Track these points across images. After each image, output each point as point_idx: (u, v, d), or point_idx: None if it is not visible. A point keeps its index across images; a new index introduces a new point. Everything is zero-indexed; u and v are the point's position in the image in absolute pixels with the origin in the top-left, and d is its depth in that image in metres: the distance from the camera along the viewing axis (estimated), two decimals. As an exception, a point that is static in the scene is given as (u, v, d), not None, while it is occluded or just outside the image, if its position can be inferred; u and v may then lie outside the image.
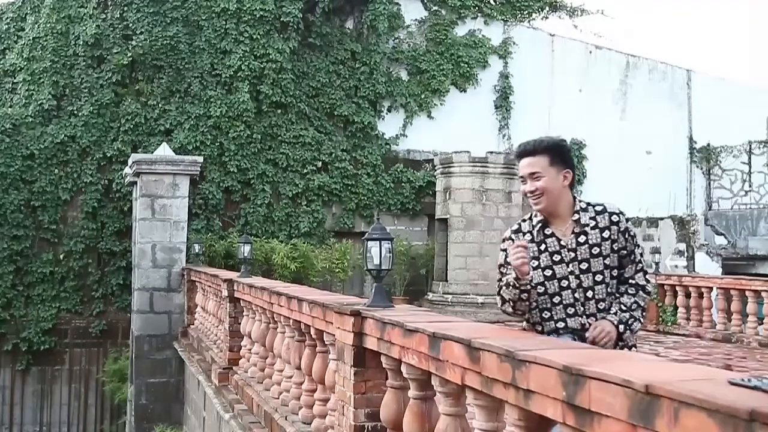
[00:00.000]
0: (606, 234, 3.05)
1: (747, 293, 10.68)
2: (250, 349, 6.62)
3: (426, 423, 2.77)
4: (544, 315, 3.06)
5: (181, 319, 11.34)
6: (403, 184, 15.73)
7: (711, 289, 11.32)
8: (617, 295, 3.10)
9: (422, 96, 16.37)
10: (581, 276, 3.03)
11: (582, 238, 3.05)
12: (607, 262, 3.05)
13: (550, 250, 3.06)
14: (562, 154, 3.11)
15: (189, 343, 10.56)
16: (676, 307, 11.87)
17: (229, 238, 13.53)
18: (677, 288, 11.85)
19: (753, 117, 18.33)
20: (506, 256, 3.09)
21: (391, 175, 15.67)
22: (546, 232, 3.08)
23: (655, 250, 14.67)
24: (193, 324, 10.68)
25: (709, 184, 18.65)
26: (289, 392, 5.07)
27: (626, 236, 3.09)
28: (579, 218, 3.07)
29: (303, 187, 14.93)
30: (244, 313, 6.83)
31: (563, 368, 1.74)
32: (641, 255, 3.19)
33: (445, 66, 16.60)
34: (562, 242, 3.06)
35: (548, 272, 3.05)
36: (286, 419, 4.86)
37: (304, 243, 13.77)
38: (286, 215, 14.82)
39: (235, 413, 6.05)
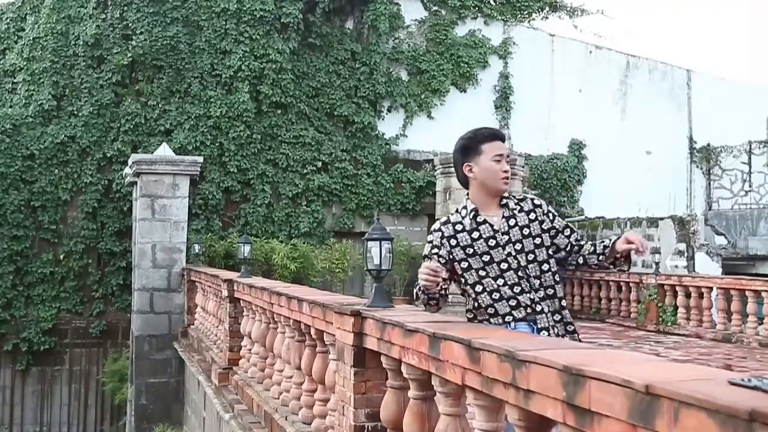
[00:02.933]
0: (532, 216, 3.21)
1: (747, 293, 10.68)
2: (250, 350, 6.62)
3: (426, 423, 2.76)
4: (493, 296, 3.11)
5: (181, 319, 11.34)
6: (403, 184, 15.73)
7: (711, 289, 11.32)
8: (579, 261, 3.24)
9: (422, 96, 16.37)
10: (518, 256, 3.14)
11: (512, 221, 3.19)
12: (537, 241, 3.18)
13: (484, 236, 3.16)
14: None
15: (189, 343, 10.56)
16: (676, 307, 11.87)
17: (229, 239, 13.54)
18: (677, 288, 11.85)
19: (753, 117, 18.34)
20: (431, 248, 3.20)
21: (391, 175, 15.67)
22: (478, 219, 3.20)
23: (655, 250, 14.66)
24: (193, 324, 10.68)
25: (709, 184, 18.66)
26: (289, 392, 5.07)
27: (551, 216, 3.26)
28: (507, 203, 3.23)
29: (303, 188, 14.93)
30: (244, 314, 6.83)
31: (563, 368, 1.74)
32: (574, 231, 3.33)
33: (445, 66, 16.60)
34: (494, 227, 3.18)
35: (486, 257, 3.14)
36: (286, 419, 4.86)
37: (304, 243, 13.77)
38: (286, 215, 14.82)
39: (235, 413, 6.06)
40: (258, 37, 14.78)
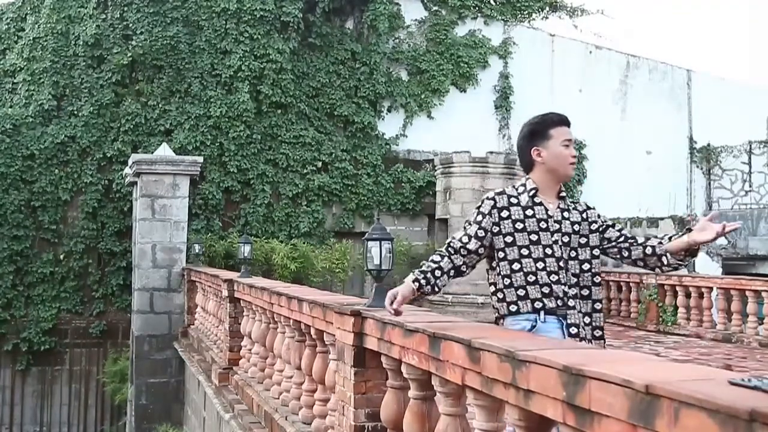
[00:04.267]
0: (584, 215, 3.23)
1: (747, 293, 10.68)
2: (250, 350, 6.63)
3: (426, 423, 2.77)
4: (528, 278, 3.08)
5: (181, 319, 11.34)
6: (403, 184, 15.73)
7: (711, 289, 11.32)
8: (633, 249, 3.24)
9: (422, 96, 16.37)
10: (562, 248, 3.13)
11: (566, 214, 3.20)
12: (582, 241, 3.18)
13: (537, 216, 3.15)
14: None
15: (189, 343, 10.56)
16: (676, 307, 11.87)
17: (229, 238, 13.53)
18: (677, 288, 11.85)
19: (753, 117, 18.34)
20: (477, 215, 3.19)
21: (391, 175, 15.67)
22: (536, 199, 3.20)
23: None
24: (194, 324, 10.69)
25: (709, 184, 18.65)
26: (289, 392, 5.07)
27: (601, 219, 3.29)
28: (565, 197, 3.26)
29: (303, 187, 14.93)
30: (244, 314, 6.84)
31: (563, 368, 1.74)
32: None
33: (445, 66, 16.60)
34: (549, 212, 3.17)
35: (534, 237, 3.12)
36: (286, 419, 4.86)
37: (304, 243, 13.76)
38: (286, 215, 14.82)
39: (236, 413, 6.06)
40: (258, 37, 14.77)
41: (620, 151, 17.42)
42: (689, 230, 3.14)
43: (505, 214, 3.16)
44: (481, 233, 3.14)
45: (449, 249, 3.15)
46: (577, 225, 3.19)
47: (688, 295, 11.66)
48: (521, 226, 3.13)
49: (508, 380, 2.01)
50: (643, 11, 44.87)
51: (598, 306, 3.17)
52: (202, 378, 8.12)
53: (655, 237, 3.28)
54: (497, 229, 3.14)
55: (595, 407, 1.63)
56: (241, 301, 6.88)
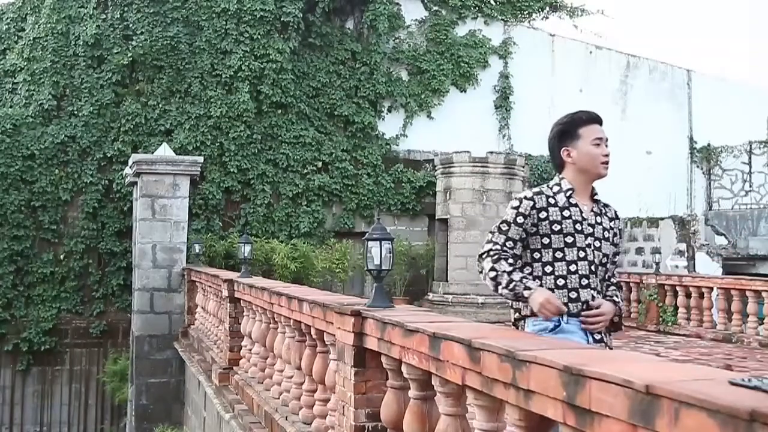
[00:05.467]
0: (613, 224, 3.21)
1: (747, 293, 10.68)
2: (250, 350, 6.63)
3: (426, 423, 2.77)
4: (558, 282, 3.04)
5: (181, 319, 11.34)
6: (403, 184, 15.73)
7: (711, 289, 11.32)
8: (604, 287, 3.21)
9: (422, 96, 16.37)
10: (595, 252, 3.10)
11: (599, 219, 3.17)
12: (612, 249, 3.19)
13: (573, 218, 3.10)
14: None
15: (189, 343, 10.56)
16: (676, 307, 11.87)
17: (229, 239, 13.54)
18: (677, 288, 11.85)
19: (753, 117, 18.32)
20: (516, 215, 3.10)
21: (391, 175, 15.67)
22: (572, 201, 3.13)
23: (655, 250, 14.67)
24: (194, 324, 10.69)
25: (710, 184, 18.65)
26: (289, 392, 5.07)
27: (620, 235, 3.28)
28: (599, 200, 3.21)
29: (303, 188, 14.94)
30: (244, 314, 6.84)
31: (563, 368, 1.74)
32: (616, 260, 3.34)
33: (445, 66, 16.60)
34: (583, 214, 3.13)
35: (569, 239, 3.08)
36: (286, 419, 4.86)
37: (304, 243, 13.77)
38: (287, 215, 14.82)
39: (236, 413, 6.06)
40: (258, 37, 14.78)
41: (620, 151, 17.23)
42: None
43: (543, 215, 3.09)
44: (522, 234, 3.10)
45: (504, 253, 3.06)
46: (607, 232, 3.17)
47: (688, 295, 11.66)
48: (558, 228, 3.08)
49: (508, 380, 2.01)
50: (643, 11, 44.88)
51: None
52: (203, 378, 8.12)
53: (617, 295, 3.23)
54: (534, 229, 3.09)
55: (596, 407, 1.63)
56: (242, 301, 6.88)
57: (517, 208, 3.12)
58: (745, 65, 43.25)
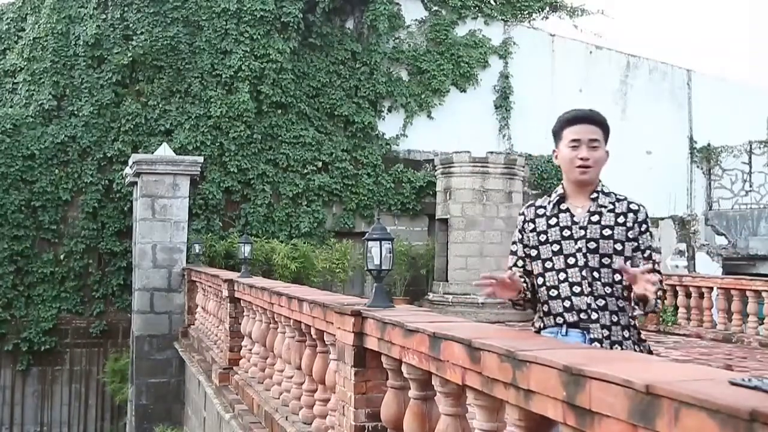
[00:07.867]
0: (621, 219, 2.93)
1: (747, 293, 10.68)
2: (250, 350, 6.63)
3: (426, 423, 2.77)
4: (551, 293, 2.93)
5: (181, 319, 11.34)
6: (403, 184, 15.73)
7: (711, 289, 11.32)
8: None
9: (422, 96, 16.37)
10: (588, 255, 2.88)
11: (595, 218, 2.93)
12: (617, 247, 2.90)
13: (561, 224, 2.96)
14: (608, 133, 3.03)
15: (189, 343, 10.56)
16: (676, 307, 11.87)
17: (229, 238, 13.53)
18: (678, 288, 11.84)
19: (753, 117, 18.32)
20: (516, 233, 3.10)
21: (391, 175, 15.67)
22: (561, 207, 3.00)
23: (656, 251, 14.67)
24: (194, 324, 10.69)
25: (710, 184, 18.65)
26: (289, 392, 5.07)
27: (642, 228, 2.96)
28: (597, 197, 2.97)
29: (303, 187, 14.93)
30: (244, 314, 6.84)
31: (564, 368, 1.74)
32: (657, 262, 2.98)
33: (446, 66, 16.60)
34: (575, 218, 2.94)
35: (555, 247, 2.94)
36: (286, 419, 4.86)
37: (304, 243, 13.77)
38: (287, 215, 14.82)
39: (236, 413, 6.06)
40: (258, 37, 14.77)
41: (620, 151, 17.25)
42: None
43: (530, 227, 3.02)
44: (519, 252, 3.07)
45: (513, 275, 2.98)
46: (608, 229, 2.90)
47: (688, 295, 11.66)
48: (544, 237, 2.97)
49: (508, 380, 2.01)
50: (643, 11, 44.89)
51: (630, 321, 2.93)
52: (203, 378, 8.12)
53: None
54: (524, 243, 3.04)
55: (596, 407, 1.63)
56: (242, 301, 6.88)
57: (517, 225, 3.10)
58: (745, 65, 43.26)
